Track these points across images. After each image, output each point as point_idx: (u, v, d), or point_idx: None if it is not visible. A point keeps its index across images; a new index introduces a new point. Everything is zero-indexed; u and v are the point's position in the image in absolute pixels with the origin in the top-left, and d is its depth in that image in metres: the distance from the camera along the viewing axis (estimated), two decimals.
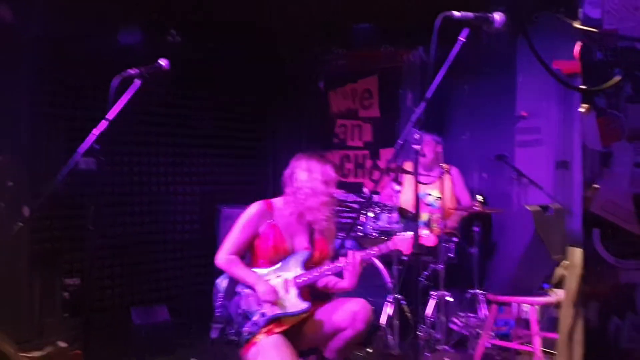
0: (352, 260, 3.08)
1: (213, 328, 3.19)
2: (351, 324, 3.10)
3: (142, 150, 5.51)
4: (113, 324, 5.09)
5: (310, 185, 3.22)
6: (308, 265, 3.20)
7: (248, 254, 3.32)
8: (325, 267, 3.14)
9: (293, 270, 3.18)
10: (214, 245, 5.36)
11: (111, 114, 3.29)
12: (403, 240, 3.15)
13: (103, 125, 3.28)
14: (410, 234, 3.14)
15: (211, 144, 6.08)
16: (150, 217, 5.55)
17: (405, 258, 4.30)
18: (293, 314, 3.11)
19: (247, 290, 3.18)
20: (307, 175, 3.24)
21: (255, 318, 3.10)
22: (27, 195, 4.56)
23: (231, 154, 6.28)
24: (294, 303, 3.11)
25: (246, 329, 3.08)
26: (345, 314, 3.08)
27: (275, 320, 3.11)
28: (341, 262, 3.10)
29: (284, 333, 3.11)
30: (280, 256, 3.23)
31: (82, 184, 4.82)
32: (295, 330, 3.19)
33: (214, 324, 3.19)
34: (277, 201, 3.32)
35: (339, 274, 3.23)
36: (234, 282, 3.25)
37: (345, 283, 3.18)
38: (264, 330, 3.07)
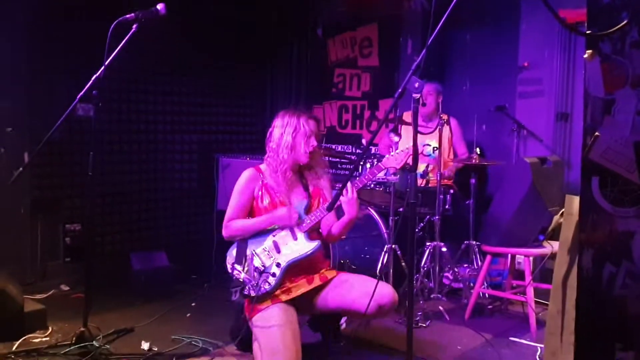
0: (347, 189, 3.09)
1: (232, 292, 3.26)
2: (376, 313, 3.12)
3: (140, 98, 5.47)
4: (113, 269, 5.16)
5: (285, 140, 3.26)
6: (308, 212, 3.24)
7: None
8: (326, 205, 3.18)
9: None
10: (212, 194, 5.43)
11: (109, 60, 3.27)
12: (393, 158, 3.16)
13: (101, 71, 3.27)
14: (399, 151, 3.16)
15: (210, 93, 6.04)
16: (148, 165, 5.56)
17: (401, 209, 4.34)
18: (307, 255, 3.15)
19: (258, 250, 3.23)
20: (282, 130, 3.28)
21: (271, 270, 3.16)
22: (26, 141, 4.57)
23: (230, 103, 6.26)
24: (304, 245, 3.16)
25: (264, 281, 3.14)
26: (373, 304, 3.00)
27: (287, 276, 3.17)
28: (341, 196, 3.11)
29: (293, 304, 3.17)
30: None
31: (81, 131, 4.86)
32: (307, 299, 3.24)
33: (232, 289, 3.26)
34: (264, 165, 3.38)
35: (338, 210, 3.25)
36: (243, 247, 3.29)
37: (346, 216, 3.20)
38: (271, 296, 3.13)
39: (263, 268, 3.17)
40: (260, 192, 3.30)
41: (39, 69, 4.69)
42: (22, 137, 4.57)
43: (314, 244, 3.16)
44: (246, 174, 3.35)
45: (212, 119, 6.10)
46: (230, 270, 3.31)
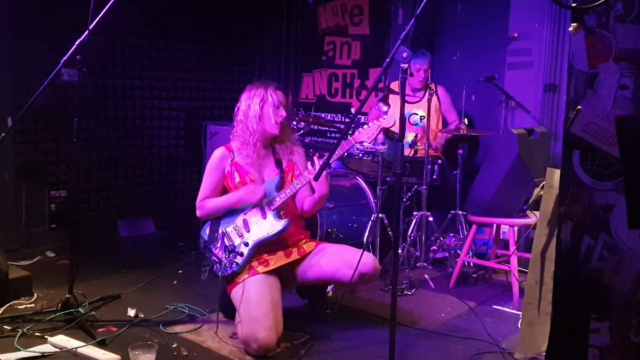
0: (316, 167, 3.06)
1: (202, 271, 3.28)
2: (359, 281, 3.18)
3: (126, 63, 5.40)
4: (100, 236, 5.16)
5: (253, 110, 3.24)
6: (281, 188, 3.23)
7: None
8: (294, 182, 3.17)
9: (267, 197, 3.22)
10: (199, 161, 5.41)
11: (93, 24, 3.21)
12: (365, 132, 3.12)
13: (85, 35, 3.21)
14: (370, 124, 3.12)
15: (199, 59, 5.98)
16: (135, 132, 5.52)
17: (389, 179, 4.34)
18: (274, 235, 3.16)
19: (229, 229, 3.24)
20: (249, 102, 3.27)
21: (239, 249, 3.17)
22: (9, 107, 4.51)
23: (218, 70, 6.20)
24: (272, 224, 3.17)
25: (232, 259, 3.15)
26: (357, 274, 3.03)
27: (259, 248, 3.17)
28: (307, 173, 3.11)
29: (276, 274, 3.19)
30: None
31: (67, 96, 4.80)
32: (287, 272, 3.27)
33: (203, 268, 3.28)
34: (234, 143, 3.36)
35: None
36: (215, 226, 3.31)
37: (316, 193, 3.20)
38: (248, 268, 3.15)
39: (232, 247, 3.18)
40: (230, 171, 3.30)
41: (23, 32, 4.60)
42: (5, 102, 4.51)
43: (282, 223, 3.16)
44: (216, 153, 3.36)
45: (200, 85, 6.04)
46: (202, 250, 3.33)
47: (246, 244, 3.17)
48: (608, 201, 1.66)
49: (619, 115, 1.57)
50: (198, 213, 3.34)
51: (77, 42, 3.20)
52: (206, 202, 3.31)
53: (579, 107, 1.66)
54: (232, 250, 3.18)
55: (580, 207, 1.69)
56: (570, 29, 1.67)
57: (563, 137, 1.74)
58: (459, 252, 4.36)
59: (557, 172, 1.86)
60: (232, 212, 3.28)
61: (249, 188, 3.19)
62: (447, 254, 4.52)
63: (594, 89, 1.64)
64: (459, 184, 4.53)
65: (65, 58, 3.20)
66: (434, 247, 4.52)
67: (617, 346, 1.65)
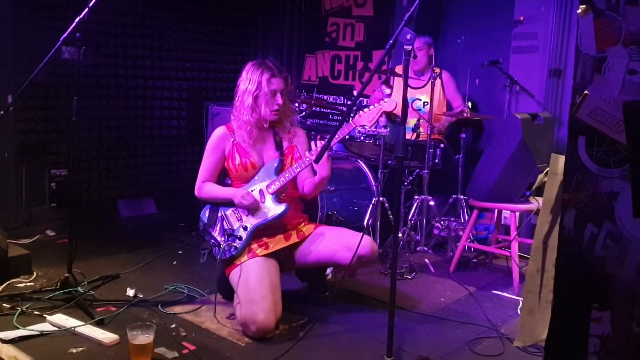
0: (316, 150, 3.04)
1: (201, 254, 3.27)
2: (357, 264, 3.17)
3: (128, 42, 5.35)
4: (100, 215, 5.16)
5: (246, 101, 3.20)
6: (280, 171, 3.21)
7: (227, 180, 3.38)
8: (294, 166, 3.15)
9: (267, 180, 3.20)
10: (201, 141, 5.38)
11: (93, 2, 3.16)
12: (365, 115, 3.08)
13: (84, 13, 3.17)
14: (371, 107, 3.08)
15: (200, 40, 5.93)
16: (137, 111, 5.49)
17: (390, 162, 4.32)
18: (273, 219, 3.15)
19: (228, 212, 3.23)
20: (245, 87, 3.22)
21: (238, 233, 3.15)
22: (10, 84, 4.48)
23: (220, 50, 6.15)
24: (271, 208, 3.15)
25: (231, 243, 3.14)
26: (355, 257, 3.01)
27: (258, 232, 3.16)
28: (308, 156, 3.08)
29: (275, 257, 3.18)
30: (251, 172, 3.25)
31: (68, 74, 4.77)
32: (286, 255, 3.27)
33: (202, 251, 3.27)
34: (233, 122, 3.32)
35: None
36: (215, 209, 3.30)
37: (317, 176, 3.18)
38: (247, 250, 3.14)
39: (230, 231, 3.17)
40: (231, 152, 3.27)
41: (24, 10, 4.55)
42: (6, 80, 4.47)
43: (281, 208, 3.14)
44: (217, 133, 3.32)
45: (202, 65, 6.00)
46: (201, 232, 3.32)
47: (245, 228, 3.16)
48: (613, 189, 1.63)
49: (627, 101, 1.54)
50: (196, 192, 3.34)
51: (76, 20, 3.16)
52: (204, 186, 3.30)
53: (585, 92, 1.63)
54: (230, 234, 3.17)
55: (585, 194, 1.66)
56: (579, 11, 1.62)
57: (568, 123, 1.70)
58: (460, 234, 4.34)
59: (561, 158, 1.83)
60: None
61: (240, 193, 3.17)
62: (446, 235, 4.50)
63: (602, 74, 1.61)
64: (461, 168, 4.50)
65: (64, 35, 3.17)
66: (438, 225, 4.51)
67: (619, 336, 1.64)
